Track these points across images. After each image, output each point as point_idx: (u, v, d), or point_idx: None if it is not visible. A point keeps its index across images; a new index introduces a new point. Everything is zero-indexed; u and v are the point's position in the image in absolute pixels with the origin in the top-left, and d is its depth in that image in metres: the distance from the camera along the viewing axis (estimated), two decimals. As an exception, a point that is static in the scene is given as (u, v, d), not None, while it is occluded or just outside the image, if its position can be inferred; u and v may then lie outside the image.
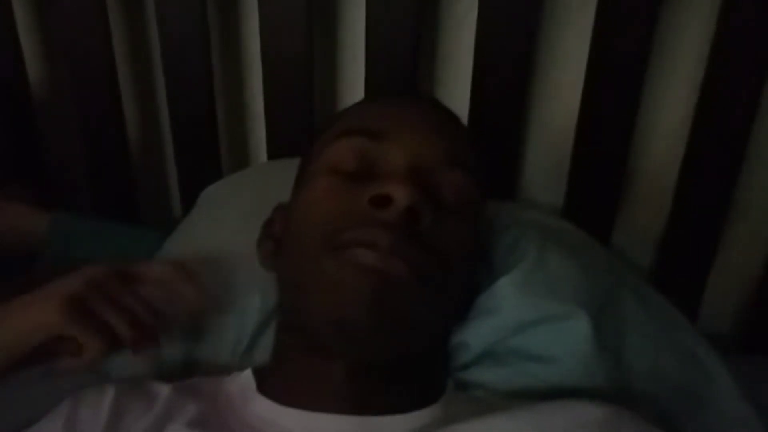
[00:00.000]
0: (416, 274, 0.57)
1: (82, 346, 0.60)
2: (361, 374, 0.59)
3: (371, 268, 0.55)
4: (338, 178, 0.61)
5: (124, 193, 1.07)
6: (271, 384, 0.63)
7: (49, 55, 1.08)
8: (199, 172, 1.02)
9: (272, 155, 1.02)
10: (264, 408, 0.61)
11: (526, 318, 0.70)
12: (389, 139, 0.62)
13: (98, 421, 0.60)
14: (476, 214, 0.66)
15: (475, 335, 0.70)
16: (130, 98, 1.07)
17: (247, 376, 0.65)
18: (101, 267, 0.64)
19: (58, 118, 1.09)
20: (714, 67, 0.83)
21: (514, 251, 0.75)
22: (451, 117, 0.70)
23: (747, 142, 0.85)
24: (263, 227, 0.72)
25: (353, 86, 1.00)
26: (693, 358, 0.76)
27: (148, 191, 1.12)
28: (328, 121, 0.71)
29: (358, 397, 0.59)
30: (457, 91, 0.95)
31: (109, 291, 0.62)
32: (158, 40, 0.97)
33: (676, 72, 0.89)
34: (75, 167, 1.10)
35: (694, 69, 0.87)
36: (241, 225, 0.80)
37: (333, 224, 0.58)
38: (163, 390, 0.64)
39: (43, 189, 1.05)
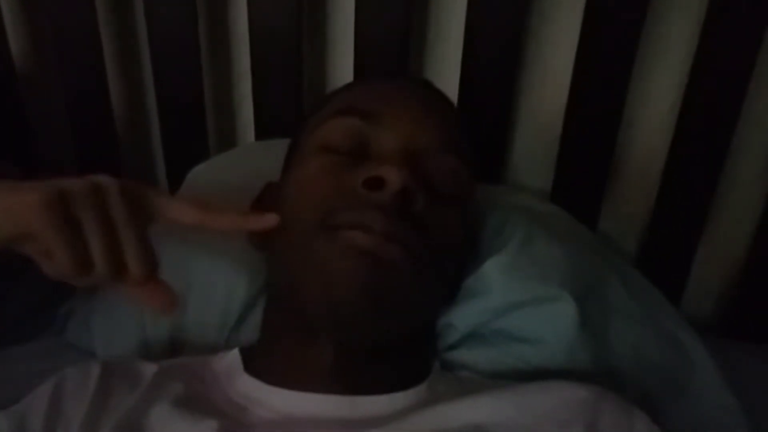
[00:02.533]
0: (409, 257, 0.57)
1: (48, 255, 0.49)
2: (349, 355, 0.60)
3: (364, 251, 0.56)
4: (331, 158, 0.61)
5: (110, 173, 1.06)
6: (257, 363, 0.63)
7: (34, 36, 1.06)
8: (186, 152, 1.01)
9: (260, 136, 1.01)
10: (250, 387, 0.61)
11: (512, 300, 0.70)
12: (383, 121, 0.62)
13: (84, 399, 0.60)
14: (467, 198, 0.66)
15: (462, 317, 0.71)
16: (116, 78, 1.06)
17: (233, 356, 0.65)
18: (112, 178, 0.52)
19: (44, 99, 1.08)
20: (701, 57, 0.83)
21: (501, 234, 0.75)
22: (445, 100, 0.70)
23: (733, 131, 0.85)
24: (252, 206, 0.71)
25: (342, 68, 1.00)
26: (676, 343, 0.77)
27: (134, 171, 1.12)
28: (320, 101, 0.71)
29: (345, 377, 0.59)
30: (446, 74, 0.95)
31: (108, 206, 0.50)
32: (145, 20, 0.96)
33: (664, 61, 0.89)
34: (61, 147, 1.09)
35: (682, 58, 0.87)
36: (228, 205, 0.80)
37: (326, 205, 0.58)
38: (150, 369, 0.64)
39: (29, 170, 1.04)
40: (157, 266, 0.52)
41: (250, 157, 0.94)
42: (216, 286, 0.76)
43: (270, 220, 0.57)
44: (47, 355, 0.80)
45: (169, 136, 1.03)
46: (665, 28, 0.87)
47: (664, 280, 0.85)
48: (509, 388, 0.60)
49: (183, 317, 0.76)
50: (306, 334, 0.60)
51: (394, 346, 0.62)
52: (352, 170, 0.59)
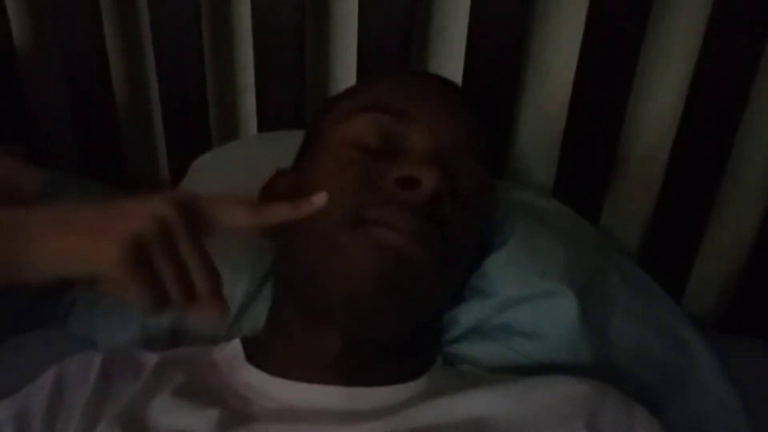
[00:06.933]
0: (432, 258, 0.58)
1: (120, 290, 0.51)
2: (357, 347, 0.60)
3: (393, 249, 0.56)
4: (360, 154, 0.61)
5: (112, 163, 1.06)
6: (260, 354, 0.63)
7: (37, 27, 1.06)
8: (188, 143, 1.01)
9: (262, 128, 1.01)
10: (252, 377, 0.61)
11: (513, 296, 0.70)
12: (414, 120, 0.62)
13: (85, 389, 0.60)
14: (487, 201, 0.67)
15: (464, 312, 0.71)
16: (119, 69, 1.05)
17: (235, 346, 0.65)
18: (172, 204, 0.52)
19: (47, 93, 1.08)
20: (706, 52, 0.82)
21: (502, 231, 0.75)
22: (470, 103, 0.70)
23: (736, 128, 0.85)
24: (261, 192, 0.71)
25: (345, 61, 0.99)
26: (676, 339, 0.77)
27: (136, 161, 1.11)
28: (342, 93, 0.71)
29: (350, 369, 0.60)
30: (449, 68, 0.95)
31: (176, 239, 0.52)
32: (148, 11, 0.95)
33: (669, 56, 0.89)
34: (62, 138, 1.09)
35: (686, 54, 0.87)
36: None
37: (356, 199, 0.58)
38: (151, 359, 0.64)
39: (31, 156, 1.04)
40: (222, 283, 0.54)
41: (253, 149, 0.94)
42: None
43: (320, 199, 0.58)
44: (49, 345, 0.80)
45: (172, 127, 1.03)
46: (670, 24, 0.87)
47: (666, 276, 0.85)
48: (510, 383, 0.60)
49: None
50: (316, 325, 0.61)
51: (400, 340, 0.62)
52: (382, 167, 0.59)
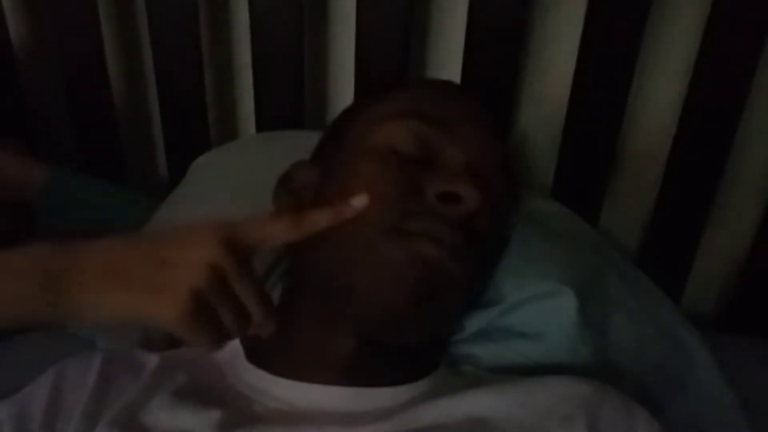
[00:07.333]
0: (467, 273, 0.59)
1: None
2: (369, 350, 0.60)
3: (433, 262, 0.57)
4: (400, 161, 0.61)
5: (111, 163, 1.06)
6: (261, 353, 0.63)
7: (34, 26, 1.06)
8: (186, 144, 1.01)
9: (260, 128, 1.01)
10: (254, 377, 0.61)
11: (514, 298, 0.70)
12: (456, 133, 0.62)
13: (85, 389, 0.59)
14: (512, 218, 0.69)
15: (468, 318, 0.71)
16: (117, 68, 1.05)
17: (234, 346, 0.65)
18: (221, 245, 0.52)
19: (45, 92, 1.08)
20: (705, 50, 0.83)
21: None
22: (499, 120, 0.71)
23: (736, 127, 0.85)
24: (279, 183, 0.69)
25: (343, 61, 0.99)
26: (675, 339, 0.77)
27: (135, 162, 1.11)
28: (379, 94, 0.69)
29: (356, 370, 0.60)
30: (448, 67, 0.95)
31: (230, 281, 0.52)
32: (146, 12, 0.95)
33: (668, 55, 0.89)
34: (61, 139, 1.08)
35: (685, 52, 0.87)
36: (232, 196, 0.80)
37: (396, 207, 0.58)
38: (151, 359, 0.64)
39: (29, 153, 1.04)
40: (274, 308, 0.56)
41: (252, 149, 0.94)
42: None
43: (360, 201, 0.58)
44: (48, 345, 0.80)
45: (170, 127, 1.03)
46: (670, 23, 0.87)
47: (666, 276, 0.85)
48: (511, 383, 0.61)
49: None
50: (332, 326, 0.60)
51: (413, 345, 0.62)
52: (423, 177, 0.59)
